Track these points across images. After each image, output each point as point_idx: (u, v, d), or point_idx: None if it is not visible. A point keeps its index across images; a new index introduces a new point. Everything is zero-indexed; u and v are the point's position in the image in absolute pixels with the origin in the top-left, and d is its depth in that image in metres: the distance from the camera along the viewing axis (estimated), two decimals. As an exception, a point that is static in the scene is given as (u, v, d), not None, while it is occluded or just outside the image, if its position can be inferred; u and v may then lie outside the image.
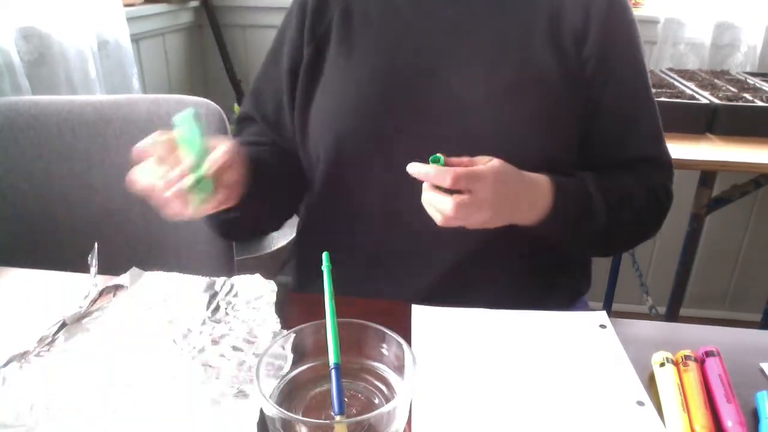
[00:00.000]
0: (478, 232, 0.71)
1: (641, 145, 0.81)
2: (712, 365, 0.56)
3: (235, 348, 0.60)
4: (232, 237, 0.96)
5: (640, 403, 0.54)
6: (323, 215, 0.86)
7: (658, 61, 1.87)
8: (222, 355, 0.59)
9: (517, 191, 0.68)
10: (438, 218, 0.64)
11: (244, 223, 0.80)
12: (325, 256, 0.58)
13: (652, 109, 0.81)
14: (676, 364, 0.57)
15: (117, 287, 0.71)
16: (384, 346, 0.52)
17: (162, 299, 0.69)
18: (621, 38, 0.78)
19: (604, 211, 0.73)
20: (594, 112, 0.78)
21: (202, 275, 0.74)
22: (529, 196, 0.70)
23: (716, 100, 1.45)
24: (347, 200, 0.82)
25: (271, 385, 0.50)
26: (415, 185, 0.77)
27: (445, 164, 0.63)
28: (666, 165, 0.83)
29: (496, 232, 0.70)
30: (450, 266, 0.79)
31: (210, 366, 0.57)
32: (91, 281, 0.70)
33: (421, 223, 0.78)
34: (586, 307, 0.91)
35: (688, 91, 1.53)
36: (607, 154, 0.80)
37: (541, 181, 0.70)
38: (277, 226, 0.90)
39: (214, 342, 0.61)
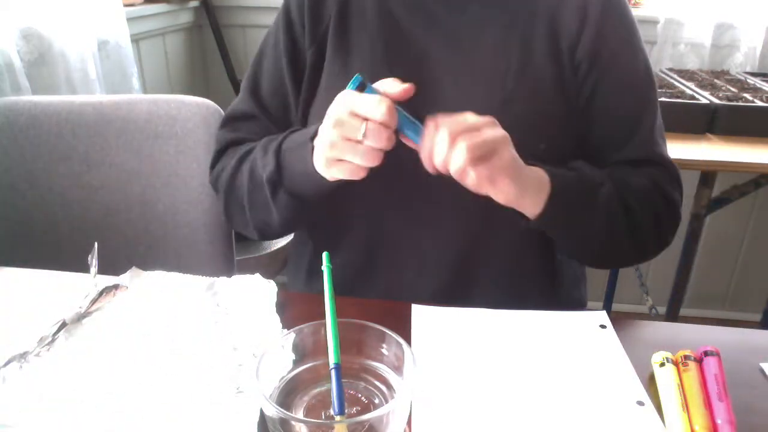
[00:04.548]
0: (468, 240, 0.70)
1: (639, 147, 0.78)
2: (710, 365, 0.56)
3: (234, 348, 0.60)
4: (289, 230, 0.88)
5: (640, 403, 0.54)
6: (316, 222, 0.86)
7: (658, 61, 1.87)
8: (222, 355, 0.59)
9: (520, 159, 0.65)
10: (458, 160, 0.60)
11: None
12: (325, 256, 0.58)
13: (652, 111, 0.79)
14: (676, 364, 0.57)
15: (117, 287, 0.71)
16: (384, 346, 0.52)
17: (162, 299, 0.69)
18: (615, 40, 0.77)
19: (608, 190, 0.71)
20: (589, 115, 0.77)
21: (202, 275, 0.74)
22: (531, 170, 0.67)
23: (716, 100, 1.45)
24: (340, 209, 0.81)
25: (271, 385, 0.50)
26: (406, 196, 0.77)
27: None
28: (668, 168, 0.80)
29: (486, 244, 0.69)
30: (443, 275, 0.79)
31: (210, 366, 0.57)
32: (91, 281, 0.70)
33: (412, 234, 0.79)
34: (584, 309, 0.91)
35: (688, 91, 1.53)
36: (605, 157, 0.78)
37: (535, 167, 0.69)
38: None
39: (214, 342, 0.61)
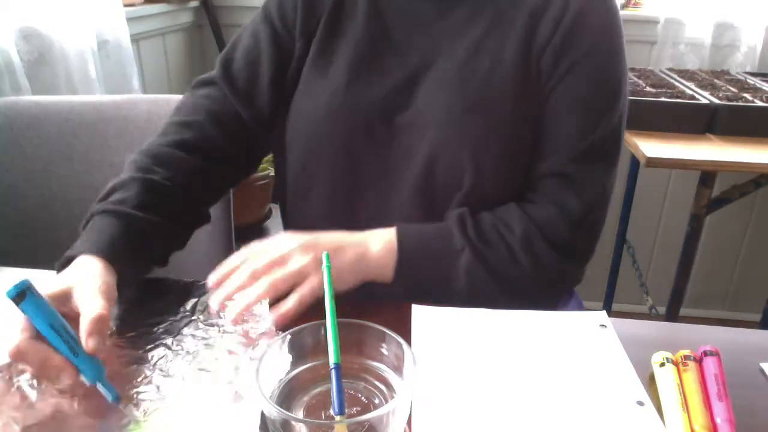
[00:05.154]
0: None
1: (557, 158, 0.74)
2: (709, 365, 0.56)
3: (230, 351, 0.60)
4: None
5: (640, 403, 0.54)
6: (295, 222, 0.85)
7: (658, 61, 1.87)
8: (217, 359, 0.59)
9: (335, 235, 0.69)
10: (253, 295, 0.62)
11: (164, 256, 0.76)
12: (325, 256, 0.58)
13: (599, 131, 0.73)
14: (676, 364, 0.57)
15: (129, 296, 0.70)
16: (384, 346, 0.52)
17: (155, 302, 0.69)
18: (581, 49, 0.72)
19: (468, 247, 0.70)
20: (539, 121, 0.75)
21: (203, 275, 0.73)
22: (359, 234, 0.70)
23: (716, 100, 1.45)
24: (314, 207, 0.81)
25: (271, 385, 0.50)
26: (382, 195, 0.77)
27: None
28: (577, 191, 0.73)
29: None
30: None
31: (206, 370, 0.57)
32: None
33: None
34: (581, 306, 0.90)
35: (688, 91, 1.53)
36: (532, 166, 0.76)
37: (377, 230, 0.71)
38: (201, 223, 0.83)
39: (208, 346, 0.61)
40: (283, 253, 0.64)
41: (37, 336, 0.53)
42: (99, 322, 0.54)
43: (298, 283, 0.63)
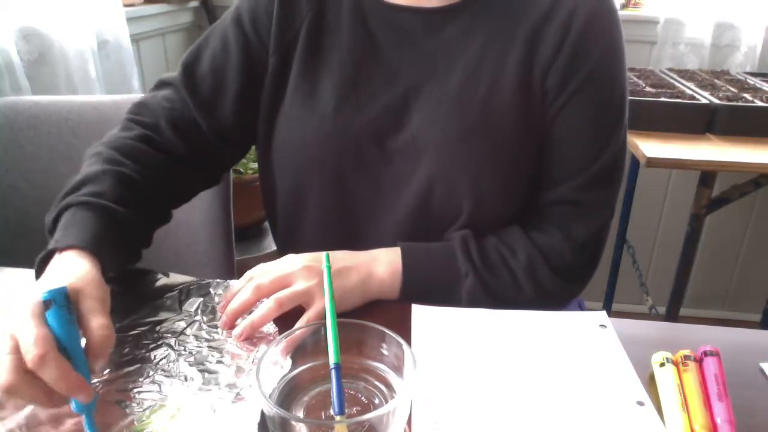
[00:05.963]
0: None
1: (567, 186, 0.73)
2: (710, 365, 0.56)
3: (232, 354, 0.60)
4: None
5: (640, 403, 0.54)
6: (289, 242, 0.85)
7: (658, 61, 1.87)
8: (219, 362, 0.59)
9: (339, 255, 0.68)
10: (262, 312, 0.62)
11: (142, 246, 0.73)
12: (324, 256, 0.58)
13: (607, 152, 0.72)
14: (676, 364, 0.57)
15: (114, 289, 0.70)
16: (384, 346, 0.52)
17: (158, 302, 0.69)
18: (589, 69, 0.70)
19: (472, 271, 0.70)
20: (545, 144, 0.74)
21: (202, 275, 0.74)
22: (364, 255, 0.70)
23: (716, 100, 1.45)
24: (307, 226, 0.80)
25: (271, 385, 0.50)
26: (377, 219, 0.77)
27: None
28: (585, 217, 0.73)
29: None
30: None
31: (208, 371, 0.57)
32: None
33: (383, 233, 0.77)
34: (581, 306, 0.90)
35: (688, 91, 1.54)
36: (538, 194, 0.75)
37: (382, 250, 0.71)
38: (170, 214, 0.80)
39: (211, 348, 0.61)
40: (287, 272, 0.64)
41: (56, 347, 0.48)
42: (107, 342, 0.51)
43: (304, 302, 0.63)
